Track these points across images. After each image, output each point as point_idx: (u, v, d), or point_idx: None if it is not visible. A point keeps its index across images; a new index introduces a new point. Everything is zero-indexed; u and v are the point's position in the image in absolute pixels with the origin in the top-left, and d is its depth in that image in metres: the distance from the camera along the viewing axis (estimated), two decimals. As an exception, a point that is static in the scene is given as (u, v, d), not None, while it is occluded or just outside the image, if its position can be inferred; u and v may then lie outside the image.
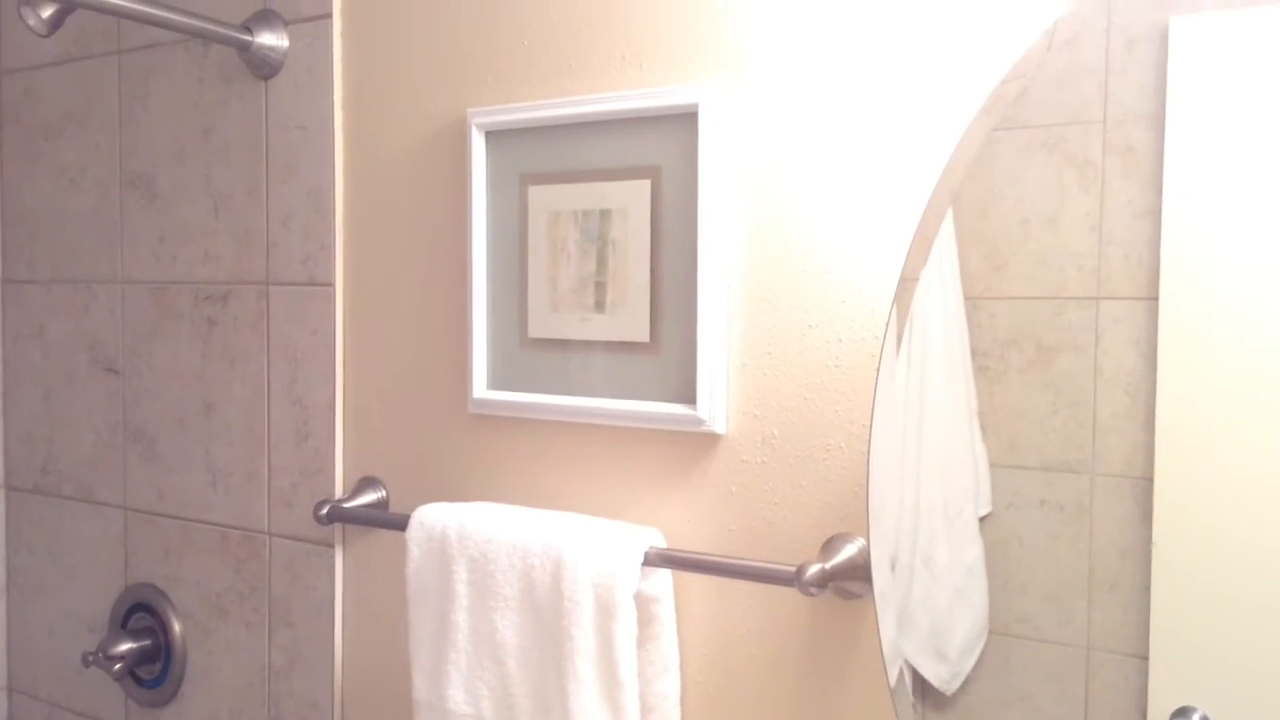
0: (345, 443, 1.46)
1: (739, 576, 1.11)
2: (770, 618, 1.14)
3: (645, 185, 1.20)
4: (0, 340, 1.83)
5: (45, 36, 1.51)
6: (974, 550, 1.02)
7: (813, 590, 1.02)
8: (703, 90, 1.14)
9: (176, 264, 1.61)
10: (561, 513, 1.23)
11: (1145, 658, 0.93)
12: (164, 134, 1.61)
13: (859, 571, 1.06)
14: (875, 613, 1.03)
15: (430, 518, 1.27)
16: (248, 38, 1.47)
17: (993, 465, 1.00)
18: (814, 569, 1.03)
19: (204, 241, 1.58)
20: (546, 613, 1.17)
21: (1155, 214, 0.91)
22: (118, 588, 1.70)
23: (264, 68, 1.49)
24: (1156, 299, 0.92)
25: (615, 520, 1.21)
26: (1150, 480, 0.92)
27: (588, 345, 1.25)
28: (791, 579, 1.03)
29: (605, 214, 1.23)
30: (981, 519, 1.02)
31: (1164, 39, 0.92)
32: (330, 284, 1.45)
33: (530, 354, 1.29)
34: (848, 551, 1.07)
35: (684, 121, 1.16)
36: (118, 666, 1.59)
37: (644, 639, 1.16)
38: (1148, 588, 0.93)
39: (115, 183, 1.68)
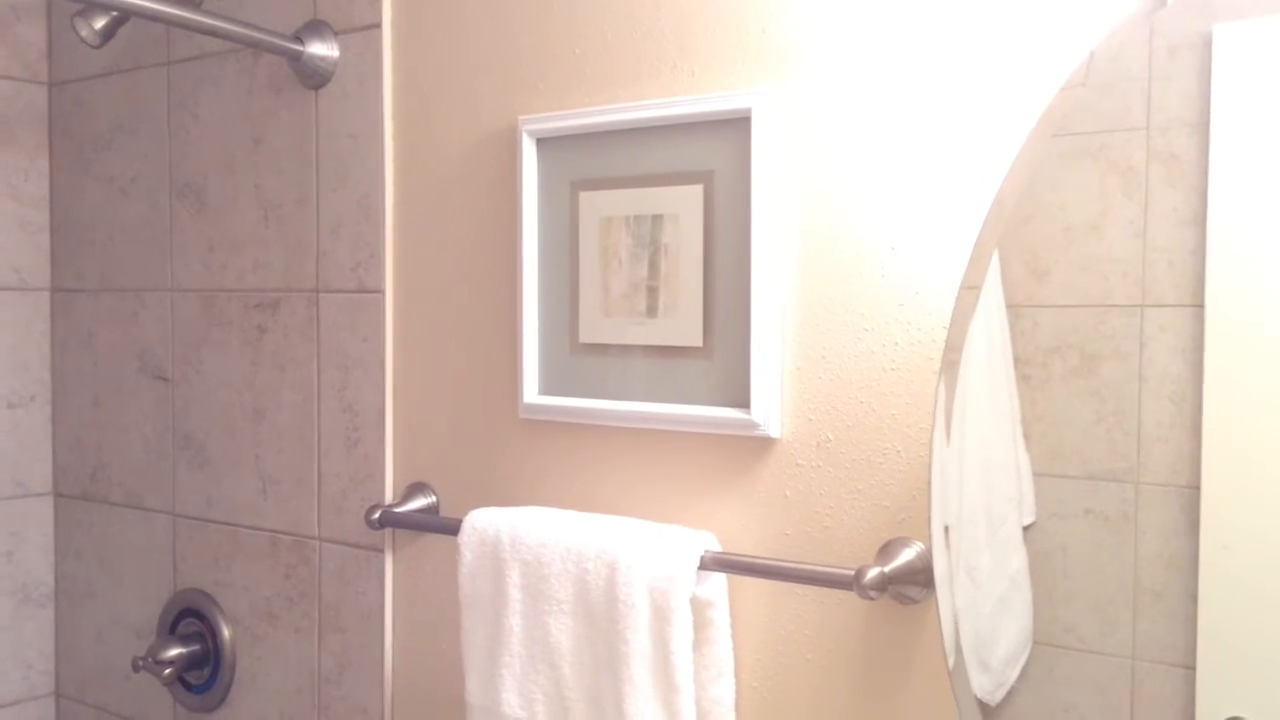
0: (395, 449, 1.47)
1: (796, 580, 1.11)
2: (826, 623, 1.14)
3: (698, 190, 1.21)
4: (49, 348, 1.85)
5: (97, 48, 1.54)
6: (1018, 559, 1.01)
7: (871, 594, 1.02)
8: (756, 96, 1.15)
9: (226, 272, 1.63)
10: (615, 517, 1.24)
11: (1192, 668, 0.91)
12: (213, 144, 1.63)
13: (918, 576, 1.06)
14: (936, 596, 1.02)
15: (483, 522, 1.28)
16: (299, 47, 1.49)
17: (1036, 474, 0.99)
18: (873, 572, 1.02)
19: (254, 250, 1.59)
20: (601, 616, 1.17)
21: (1199, 221, 0.91)
22: (166, 593, 1.71)
23: (314, 78, 1.51)
24: (1202, 306, 0.91)
25: (669, 525, 1.21)
26: (1196, 489, 0.91)
27: (640, 350, 1.26)
28: (850, 583, 1.03)
29: (657, 219, 1.24)
30: (1025, 528, 1.01)
31: (1207, 45, 0.91)
32: (380, 291, 1.46)
33: (581, 359, 1.30)
34: (906, 555, 1.07)
35: (737, 127, 1.17)
36: (167, 671, 1.60)
37: (698, 643, 1.16)
38: (1194, 597, 0.91)
39: (165, 192, 1.70)
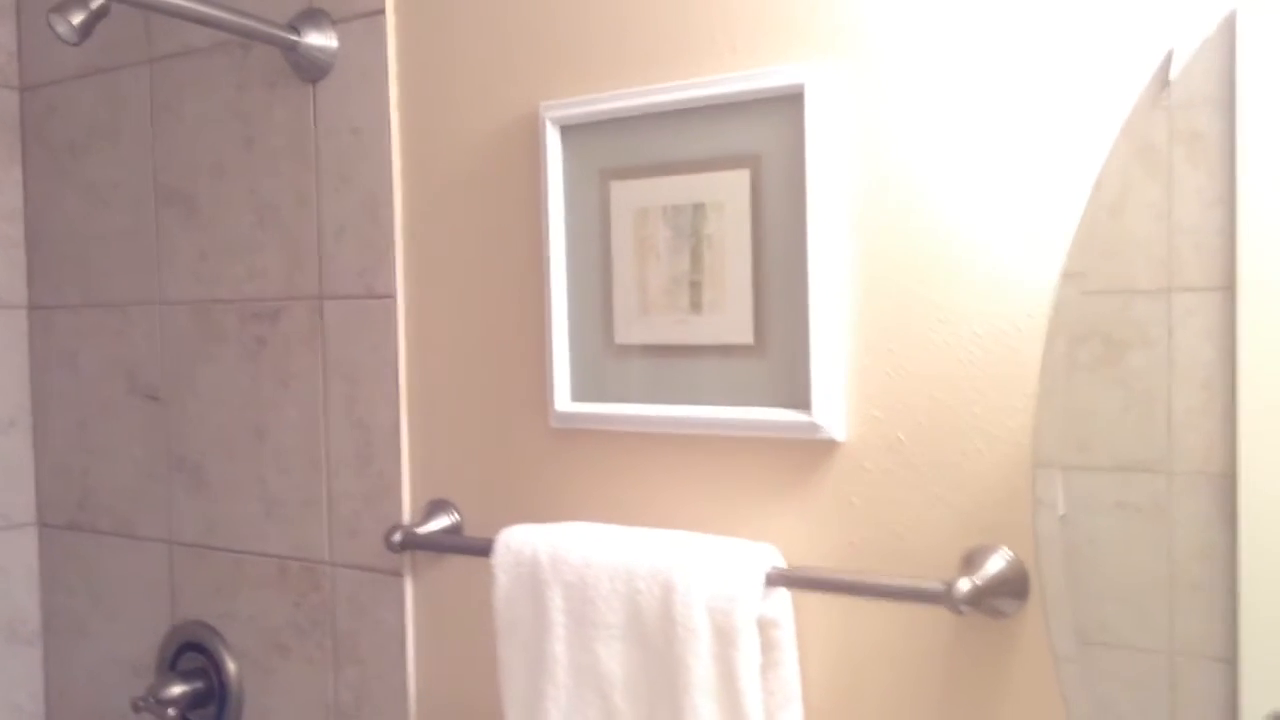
0: (412, 465, 1.37)
1: (878, 596, 1.01)
2: (905, 641, 1.05)
3: (744, 175, 1.11)
4: (28, 369, 1.74)
5: (76, 44, 1.42)
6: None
7: (964, 609, 0.93)
8: (809, 70, 1.06)
9: (220, 282, 1.52)
10: (665, 531, 1.14)
11: (1234, 662, 0.88)
12: (202, 145, 1.53)
13: (1009, 586, 0.97)
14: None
15: (518, 541, 1.18)
16: (294, 38, 1.38)
17: (1065, 467, 0.95)
18: (966, 585, 0.94)
19: (250, 257, 1.49)
20: (656, 641, 1.08)
21: (1227, 201, 0.87)
22: (164, 627, 1.60)
23: (311, 70, 1.40)
24: (1232, 288, 0.87)
25: (725, 537, 1.12)
26: (1232, 477, 0.88)
27: (684, 349, 1.16)
28: (940, 597, 0.94)
29: (698, 208, 1.14)
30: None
31: (1230, 23, 0.87)
32: (390, 296, 1.36)
33: (618, 362, 1.20)
34: (995, 564, 0.98)
35: (787, 105, 1.08)
36: (171, 712, 1.49)
37: (763, 667, 1.07)
38: (1233, 588, 0.88)
39: (150, 199, 1.59)
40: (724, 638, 1.04)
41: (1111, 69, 0.94)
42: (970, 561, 0.99)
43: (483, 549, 1.22)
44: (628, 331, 1.19)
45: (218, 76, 1.51)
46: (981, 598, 0.95)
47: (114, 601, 1.66)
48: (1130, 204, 0.91)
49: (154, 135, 1.58)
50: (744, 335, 1.12)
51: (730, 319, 1.13)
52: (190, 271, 1.55)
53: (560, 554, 1.14)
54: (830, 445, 1.08)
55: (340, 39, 1.39)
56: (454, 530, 1.33)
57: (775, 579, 1.04)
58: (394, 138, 1.36)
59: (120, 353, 1.63)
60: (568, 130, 1.22)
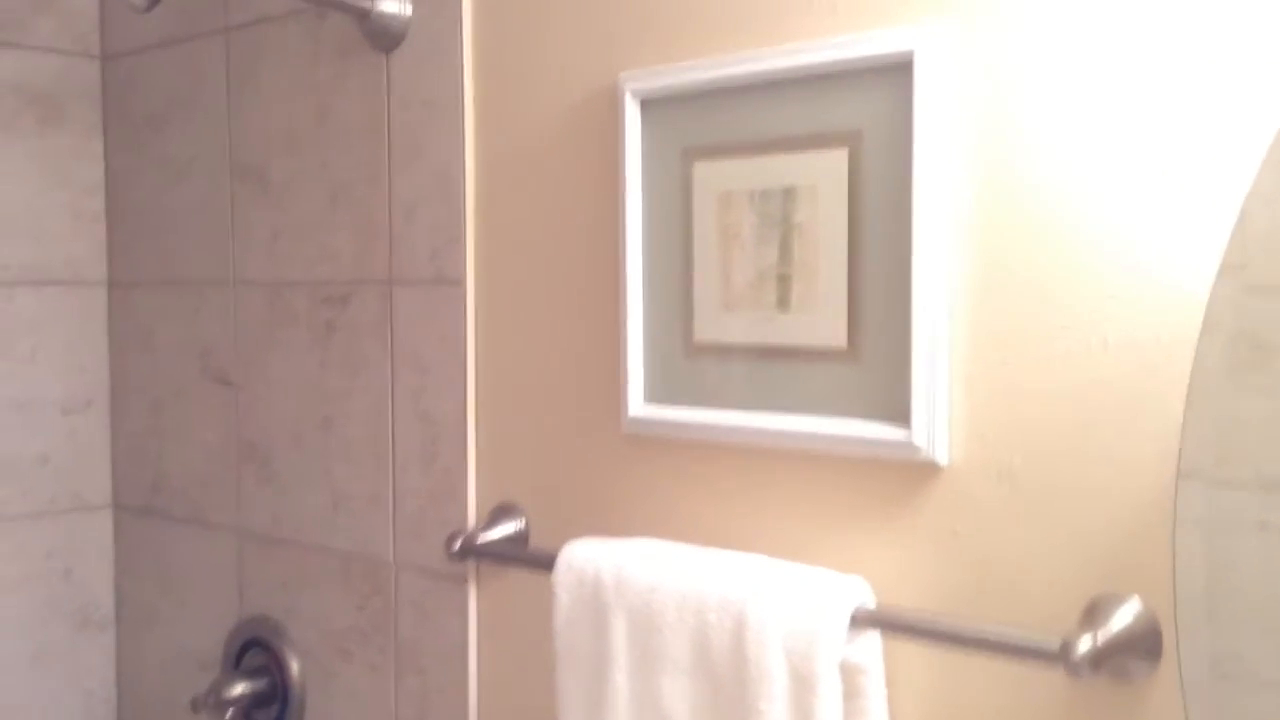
0: (479, 465, 1.27)
1: (980, 649, 0.87)
2: (1011, 700, 0.90)
3: (841, 156, 0.98)
4: (107, 348, 1.69)
5: (145, 11, 1.36)
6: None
7: (1084, 673, 0.79)
8: (919, 35, 0.91)
9: (292, 262, 1.44)
10: (741, 554, 1.02)
11: None
12: (277, 118, 1.45)
13: (1139, 645, 0.83)
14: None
15: (581, 558, 1.07)
16: (367, 5, 1.29)
17: (1209, 481, 0.80)
18: (1087, 645, 0.79)
19: (321, 237, 1.41)
20: (726, 681, 0.96)
21: None
22: (232, 620, 1.54)
23: (384, 38, 1.31)
24: None
25: (807, 566, 0.99)
26: None
27: (769, 351, 1.03)
28: (1055, 656, 0.80)
29: (789, 192, 1.01)
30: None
31: None
32: (460, 282, 1.26)
33: (697, 362, 1.08)
34: (1121, 618, 0.83)
35: (894, 75, 0.94)
36: (230, 713, 1.43)
37: (845, 716, 0.94)
38: None
39: (225, 174, 1.52)
40: (802, 683, 0.91)
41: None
42: (1093, 613, 0.84)
43: (547, 562, 1.11)
44: (708, 329, 1.07)
45: (293, 46, 1.42)
46: (1104, 659, 0.80)
47: (184, 590, 1.61)
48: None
49: (229, 108, 1.51)
50: (836, 338, 0.99)
51: (822, 319, 1.00)
52: (263, 251, 1.47)
53: (625, 576, 1.03)
54: (931, 468, 0.94)
55: (414, 6, 1.29)
56: (519, 538, 1.23)
57: (863, 619, 0.91)
58: (467, 110, 1.25)
59: (195, 333, 1.57)
60: (648, 104, 1.09)
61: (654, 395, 1.11)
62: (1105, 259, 0.85)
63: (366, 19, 1.30)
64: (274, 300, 1.46)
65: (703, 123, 1.06)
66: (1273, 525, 0.79)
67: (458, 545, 1.19)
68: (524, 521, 1.23)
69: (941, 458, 0.93)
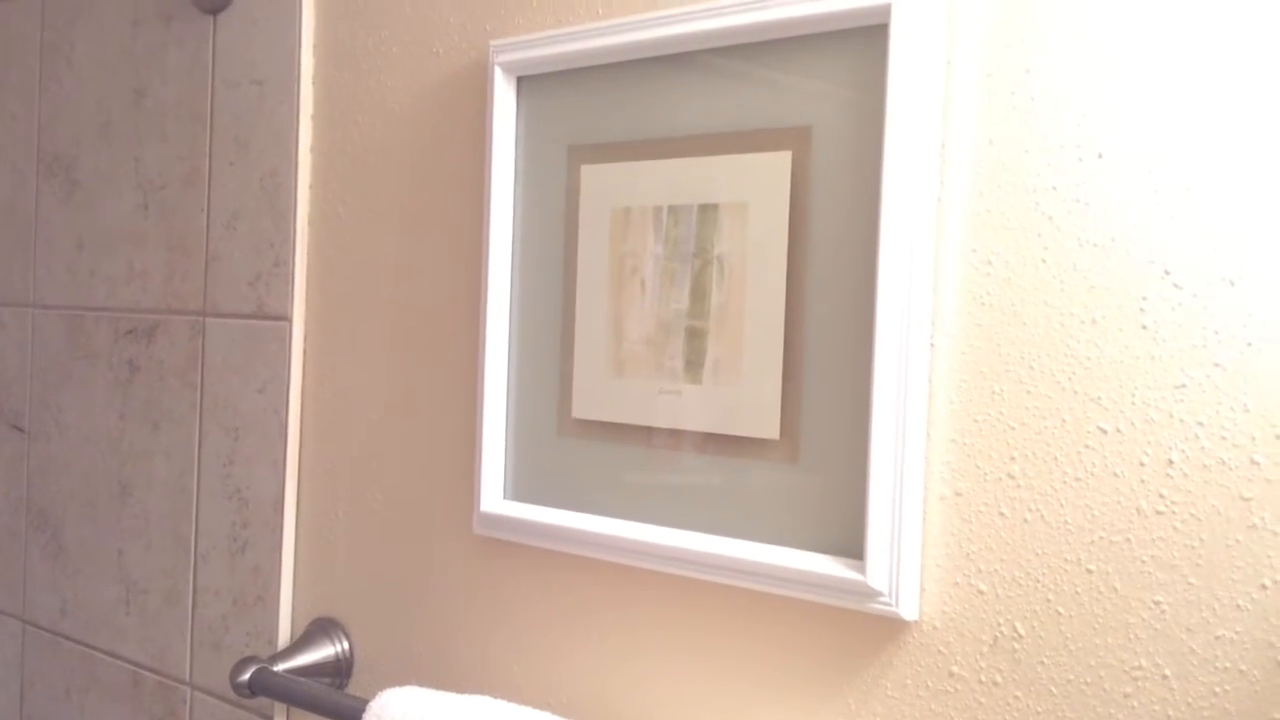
0: (297, 562, 0.95)
1: None
2: None
3: (782, 160, 0.68)
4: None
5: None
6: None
7: None
8: (897, -18, 0.62)
9: (95, 282, 1.13)
10: (614, 733, 0.70)
11: None
12: (90, 98, 1.14)
13: None
14: None
15: (396, 716, 0.75)
16: (187, -50, 0.99)
17: None
18: None
19: (130, 250, 1.09)
20: None
21: None
22: (8, 731, 1.21)
23: (211, -3, 1.01)
24: None
25: (708, 757, 0.67)
26: None
27: (673, 437, 0.72)
28: None
29: (708, 211, 0.71)
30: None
31: None
32: (285, 318, 0.95)
33: (575, 445, 0.77)
34: None
35: (859, 46, 0.64)
36: None
37: None
38: None
39: (32, 168, 1.21)
40: None
41: None
42: None
43: (354, 713, 0.79)
44: (590, 401, 0.76)
45: (112, 8, 1.12)
46: None
47: (-42, 687, 1.28)
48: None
49: (41, 82, 1.20)
50: (766, 424, 0.68)
51: (746, 394, 0.69)
52: (65, 266, 1.16)
53: (449, 750, 0.71)
54: (895, 625, 0.63)
55: (249, -46, 0.99)
56: (338, 667, 0.91)
57: None
58: (304, 93, 0.95)
59: (-12, 366, 1.25)
60: (526, 82, 0.79)
61: (517, 488, 0.80)
62: (1164, 321, 0.55)
63: (191, -28, 1.01)
64: (74, 330, 1.15)
65: (596, 110, 0.76)
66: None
67: (246, 676, 0.87)
68: (346, 645, 0.91)
69: (908, 610, 0.62)
